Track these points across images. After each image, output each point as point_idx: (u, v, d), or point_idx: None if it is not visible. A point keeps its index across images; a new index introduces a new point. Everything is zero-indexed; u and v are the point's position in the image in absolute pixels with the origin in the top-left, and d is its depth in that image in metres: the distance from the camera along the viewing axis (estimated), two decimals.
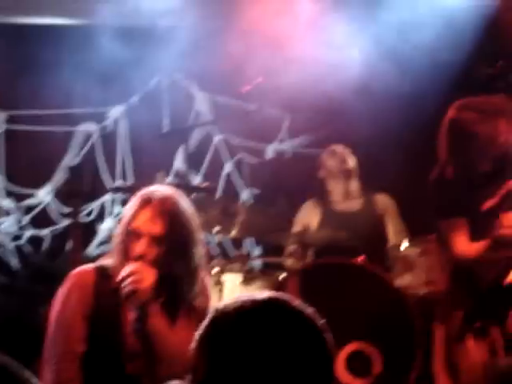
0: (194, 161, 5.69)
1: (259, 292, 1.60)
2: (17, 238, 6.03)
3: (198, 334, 1.55)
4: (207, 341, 1.52)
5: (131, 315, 3.05)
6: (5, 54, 5.74)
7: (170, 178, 5.69)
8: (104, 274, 3.12)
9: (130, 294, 2.95)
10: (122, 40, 5.57)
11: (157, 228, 2.97)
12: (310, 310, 1.56)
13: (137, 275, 2.93)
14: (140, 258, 2.98)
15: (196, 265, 3.06)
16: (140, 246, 2.98)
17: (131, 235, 3.01)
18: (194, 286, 3.08)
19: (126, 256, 3.02)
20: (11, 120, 5.97)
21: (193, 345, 1.55)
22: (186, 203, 3.07)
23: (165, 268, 3.00)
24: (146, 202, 2.99)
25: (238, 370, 1.47)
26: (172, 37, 5.53)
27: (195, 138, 5.67)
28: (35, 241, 6.04)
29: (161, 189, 3.12)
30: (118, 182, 6.07)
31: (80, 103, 5.99)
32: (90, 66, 5.65)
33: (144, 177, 5.50)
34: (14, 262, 5.98)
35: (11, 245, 6.00)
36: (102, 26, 5.54)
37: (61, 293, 3.14)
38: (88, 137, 6.13)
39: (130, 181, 6.07)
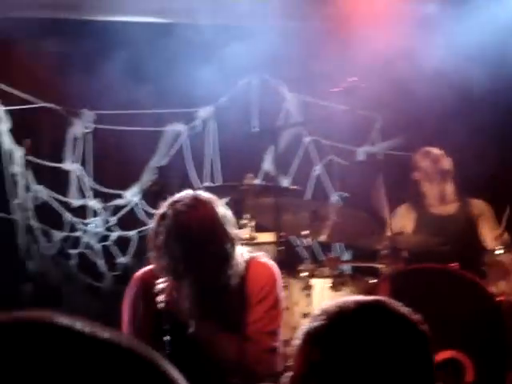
0: (282, 162, 5.73)
1: (358, 296, 1.70)
2: (104, 238, 6.15)
3: (305, 332, 1.61)
4: (321, 339, 1.58)
5: None
6: (97, 54, 5.88)
7: (258, 180, 5.72)
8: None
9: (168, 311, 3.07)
10: (212, 40, 5.66)
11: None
12: (415, 315, 1.62)
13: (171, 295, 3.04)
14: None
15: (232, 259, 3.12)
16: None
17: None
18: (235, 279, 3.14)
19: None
20: (100, 120, 6.11)
21: (296, 342, 1.62)
22: (220, 206, 3.10)
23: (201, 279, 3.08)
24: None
25: (348, 367, 1.53)
26: (262, 37, 5.59)
27: (284, 139, 5.69)
28: (122, 242, 6.16)
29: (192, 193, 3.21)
30: (206, 183, 6.15)
31: (169, 103, 6.10)
32: (179, 66, 5.76)
33: (232, 177, 5.56)
34: (101, 262, 6.12)
35: (98, 246, 6.13)
36: (193, 26, 5.65)
37: (128, 295, 3.24)
38: (176, 137, 6.24)
39: (218, 181, 6.15)
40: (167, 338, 3.02)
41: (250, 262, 3.23)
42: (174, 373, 0.76)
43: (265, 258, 3.34)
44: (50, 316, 0.77)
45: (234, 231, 3.12)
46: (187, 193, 3.19)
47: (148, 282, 3.20)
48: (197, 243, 2.99)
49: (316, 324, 1.59)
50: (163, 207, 3.13)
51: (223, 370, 3.13)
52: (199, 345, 3.08)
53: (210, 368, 3.12)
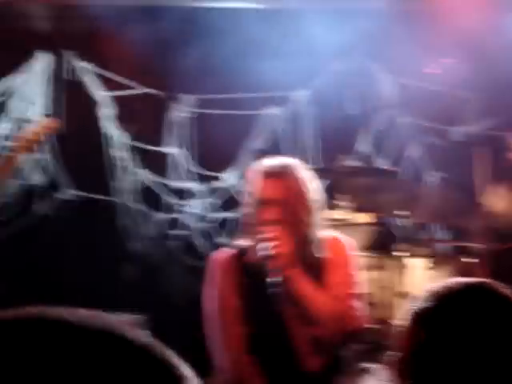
0: (377, 143, 5.84)
1: (463, 278, 1.76)
2: (203, 220, 6.37)
3: (413, 313, 1.67)
4: (429, 320, 1.64)
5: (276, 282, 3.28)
6: (197, 39, 6.10)
7: (353, 161, 5.84)
8: (243, 253, 3.38)
9: (272, 258, 3.18)
10: (308, 22, 5.79)
11: (281, 195, 3.16)
12: None
13: (277, 240, 3.16)
14: (272, 223, 3.21)
15: (316, 226, 3.27)
16: (270, 213, 3.21)
17: (259, 205, 3.25)
18: (318, 247, 3.29)
19: (258, 226, 3.28)
20: (200, 104, 6.33)
21: (403, 322, 1.68)
22: (304, 171, 3.31)
23: (295, 232, 3.22)
24: (269, 173, 3.24)
25: (455, 349, 1.59)
26: (357, 19, 5.69)
27: (379, 120, 5.79)
28: (222, 223, 6.38)
29: (280, 159, 3.37)
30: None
31: (266, 87, 6.27)
32: (275, 50, 5.91)
33: (328, 159, 5.70)
34: (201, 244, 6.35)
35: (198, 227, 6.36)
36: (287, 9, 5.78)
37: (209, 278, 3.43)
38: (273, 120, 6.40)
39: (314, 164, 6.30)
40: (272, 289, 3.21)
41: (327, 238, 3.40)
42: (185, 370, 0.76)
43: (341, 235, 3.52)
44: (69, 314, 0.77)
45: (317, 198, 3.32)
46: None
47: (233, 260, 3.39)
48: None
49: (424, 305, 1.65)
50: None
51: (309, 321, 3.29)
52: (290, 294, 3.25)
53: (297, 319, 3.28)
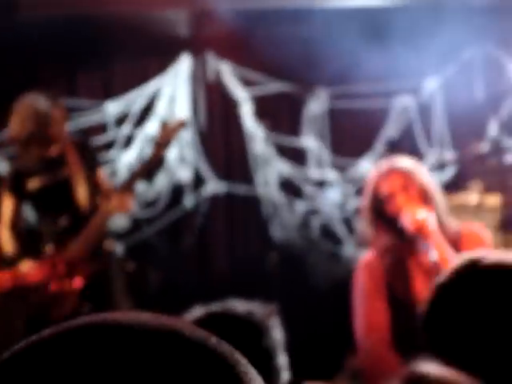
0: (508, 129, 6.02)
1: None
2: (343, 208, 6.72)
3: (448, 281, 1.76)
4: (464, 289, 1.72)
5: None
6: (331, 34, 6.42)
7: (484, 147, 6.05)
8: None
9: (423, 234, 3.48)
10: (438, 11, 6.00)
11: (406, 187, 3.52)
12: None
13: (427, 219, 3.46)
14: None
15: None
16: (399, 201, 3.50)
17: (383, 199, 3.54)
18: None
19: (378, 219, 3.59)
20: (335, 96, 6.68)
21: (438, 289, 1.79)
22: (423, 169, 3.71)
23: None
24: (391, 169, 3.58)
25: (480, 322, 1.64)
26: (486, 8, 5.86)
27: (508, 106, 5.95)
28: (359, 211, 6.70)
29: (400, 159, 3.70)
30: (435, 153, 6.54)
31: (397, 76, 6.55)
32: (406, 39, 6.16)
33: (460, 147, 5.93)
34: (341, 232, 6.68)
35: (338, 215, 6.70)
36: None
37: (356, 279, 3.75)
38: (405, 109, 6.67)
39: (447, 152, 6.52)
40: None
41: (461, 228, 3.67)
42: (251, 371, 0.76)
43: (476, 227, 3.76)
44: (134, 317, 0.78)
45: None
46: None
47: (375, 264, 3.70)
48: None
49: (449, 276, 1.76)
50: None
51: None
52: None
53: None
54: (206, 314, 1.96)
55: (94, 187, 4.41)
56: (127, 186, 4.36)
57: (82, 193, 4.27)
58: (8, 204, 4.38)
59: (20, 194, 4.38)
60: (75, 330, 0.74)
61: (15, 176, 4.42)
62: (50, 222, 4.33)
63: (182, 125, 4.65)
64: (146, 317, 0.78)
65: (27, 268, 4.13)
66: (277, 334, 2.02)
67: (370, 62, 6.48)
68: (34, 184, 4.34)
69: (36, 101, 4.31)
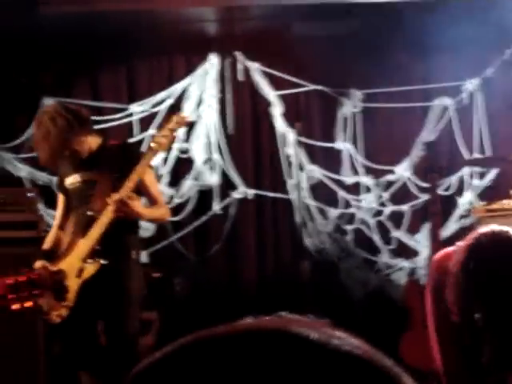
0: None
1: None
2: (378, 213, 6.71)
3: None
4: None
5: None
6: (362, 35, 6.41)
7: None
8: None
9: None
10: (477, 12, 5.98)
11: None
12: None
13: None
14: None
15: None
16: None
17: None
18: None
19: None
20: (367, 99, 6.66)
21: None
22: None
23: None
24: None
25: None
26: None
27: None
28: (396, 216, 6.67)
29: None
30: (476, 155, 6.50)
31: (436, 78, 6.52)
32: (444, 41, 6.14)
33: (501, 148, 5.88)
34: (376, 237, 6.65)
35: (373, 221, 6.68)
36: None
37: (427, 281, 3.70)
38: (444, 111, 6.65)
39: (488, 153, 6.47)
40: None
41: None
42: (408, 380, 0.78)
43: None
44: (286, 324, 0.80)
45: None
46: None
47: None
48: None
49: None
50: None
51: None
52: None
53: None
54: None
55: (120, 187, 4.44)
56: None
57: (98, 199, 4.37)
58: (59, 202, 4.70)
59: (64, 193, 4.67)
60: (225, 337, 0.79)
61: (59, 177, 4.74)
62: (76, 220, 4.49)
63: (183, 122, 4.63)
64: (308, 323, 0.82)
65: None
66: None
67: (408, 62, 6.46)
68: (68, 182, 4.57)
69: (52, 120, 4.43)
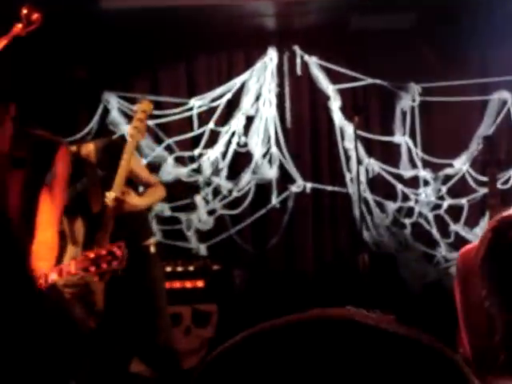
0: None
1: None
2: (436, 207, 6.78)
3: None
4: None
5: None
6: (420, 28, 6.49)
7: None
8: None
9: None
10: None
11: None
12: None
13: None
14: None
15: None
16: None
17: None
18: None
19: None
20: (426, 92, 6.74)
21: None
22: None
23: None
24: None
25: None
26: None
27: None
28: (454, 210, 6.73)
29: None
30: None
31: (495, 71, 6.57)
32: (504, 35, 6.18)
33: None
34: (435, 231, 6.73)
35: (431, 214, 6.75)
36: None
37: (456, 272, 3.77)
38: (503, 105, 6.74)
39: None
40: None
41: None
42: (471, 374, 0.81)
43: None
44: (353, 313, 0.84)
45: None
46: None
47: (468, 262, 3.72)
48: None
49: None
50: None
51: None
52: None
53: None
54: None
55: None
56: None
57: (95, 202, 4.50)
58: None
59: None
60: (308, 322, 0.83)
61: None
62: (72, 227, 4.60)
63: (149, 109, 4.63)
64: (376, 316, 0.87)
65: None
66: None
67: (466, 56, 6.52)
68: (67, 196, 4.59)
69: None
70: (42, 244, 3.66)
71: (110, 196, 4.33)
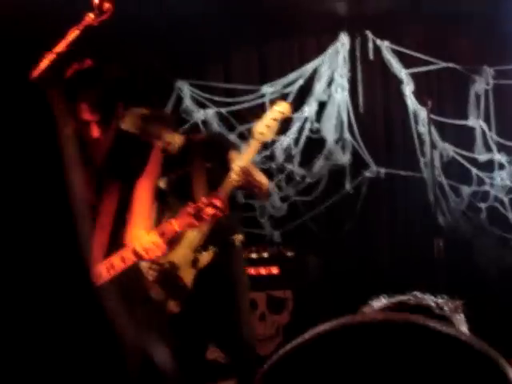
0: None
1: None
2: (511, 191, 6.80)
3: None
4: None
5: None
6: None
7: None
8: None
9: None
10: None
11: None
12: None
13: None
14: None
15: None
16: None
17: None
18: None
19: None
20: (500, 75, 6.78)
21: None
22: None
23: None
24: None
25: None
26: None
27: None
28: None
29: None
30: None
31: None
32: None
33: None
34: (511, 215, 6.75)
35: (506, 198, 6.78)
36: None
37: None
38: None
39: None
40: None
41: None
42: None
43: None
44: (424, 320, 0.88)
45: None
46: None
47: None
48: None
49: None
50: None
51: None
52: None
53: None
54: (398, 304, 1.99)
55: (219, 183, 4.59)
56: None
57: (199, 190, 4.54)
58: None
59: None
60: (367, 325, 0.89)
61: None
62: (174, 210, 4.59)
63: (286, 111, 4.59)
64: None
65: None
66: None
67: None
68: (161, 184, 4.70)
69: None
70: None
71: (238, 164, 4.31)
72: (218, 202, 3.78)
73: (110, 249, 4.01)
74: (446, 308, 2.00)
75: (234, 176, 4.30)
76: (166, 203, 4.64)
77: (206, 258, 4.48)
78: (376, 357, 0.84)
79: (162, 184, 4.65)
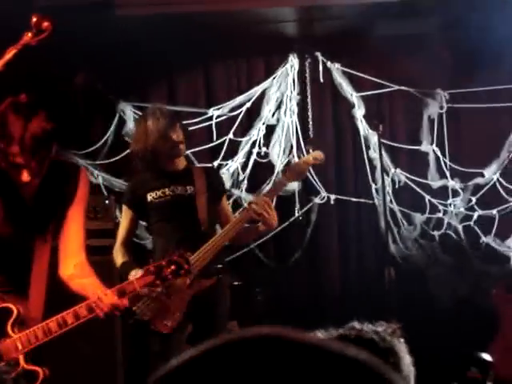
0: None
1: None
2: (466, 218, 6.73)
3: None
4: None
5: None
6: (442, 34, 6.47)
7: None
8: None
9: None
10: None
11: None
12: None
13: None
14: None
15: None
16: None
17: None
18: None
19: None
20: (453, 99, 6.71)
21: None
22: None
23: None
24: None
25: None
26: None
27: None
28: (485, 221, 6.69)
29: None
30: None
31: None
32: None
33: None
34: (464, 242, 6.68)
35: (460, 226, 6.71)
36: None
37: None
38: None
39: None
40: None
41: None
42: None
43: None
44: (279, 331, 0.87)
45: None
46: None
47: None
48: None
49: None
50: None
51: None
52: None
53: None
54: (338, 337, 1.98)
55: (215, 212, 4.89)
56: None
57: (203, 211, 4.74)
58: (126, 219, 4.94)
59: (138, 209, 4.90)
60: (250, 341, 0.87)
61: (135, 190, 4.95)
62: (170, 231, 4.75)
63: (318, 159, 5.04)
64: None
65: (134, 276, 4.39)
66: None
67: (495, 61, 6.49)
68: (155, 195, 4.82)
69: (158, 118, 4.79)
70: (83, 264, 3.68)
71: (263, 198, 4.75)
72: (180, 260, 3.71)
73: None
74: (387, 338, 1.96)
75: (254, 206, 4.70)
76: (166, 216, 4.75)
77: (205, 283, 4.65)
78: (237, 375, 0.83)
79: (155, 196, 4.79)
